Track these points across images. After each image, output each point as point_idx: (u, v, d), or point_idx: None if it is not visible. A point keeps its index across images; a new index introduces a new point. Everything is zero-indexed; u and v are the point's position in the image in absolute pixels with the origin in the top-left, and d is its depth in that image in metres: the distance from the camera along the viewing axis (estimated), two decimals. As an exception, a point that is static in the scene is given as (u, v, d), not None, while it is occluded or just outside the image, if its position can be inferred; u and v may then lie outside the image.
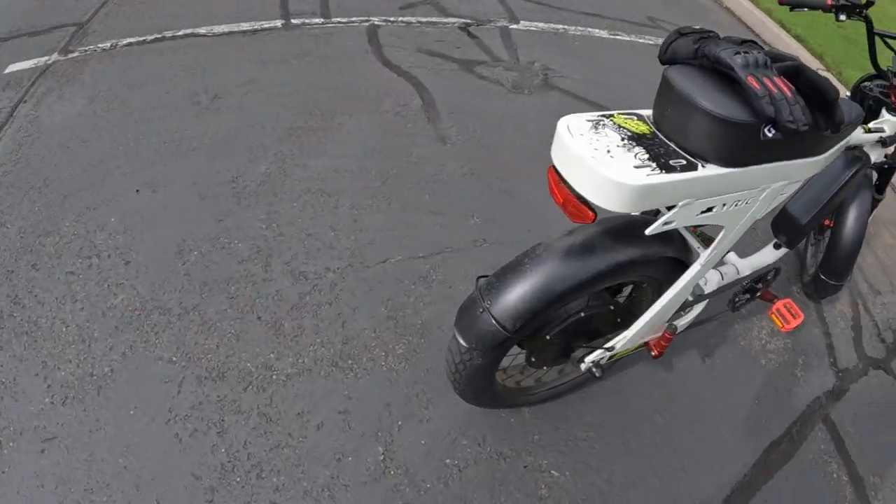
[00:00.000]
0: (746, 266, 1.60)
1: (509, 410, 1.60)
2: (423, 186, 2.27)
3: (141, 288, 1.76)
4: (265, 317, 1.73)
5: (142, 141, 2.28)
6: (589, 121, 1.05)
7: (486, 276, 1.26)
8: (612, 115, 1.09)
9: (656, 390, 1.73)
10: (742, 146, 1.00)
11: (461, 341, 1.24)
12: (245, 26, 3.04)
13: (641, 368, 1.77)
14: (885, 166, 1.77)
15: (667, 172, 0.96)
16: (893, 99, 1.60)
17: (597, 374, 1.48)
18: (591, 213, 1.03)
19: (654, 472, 1.55)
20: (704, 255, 1.25)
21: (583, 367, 1.47)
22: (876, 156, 1.68)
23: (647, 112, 1.12)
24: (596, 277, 1.18)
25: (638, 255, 1.20)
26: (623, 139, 1.02)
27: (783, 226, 1.64)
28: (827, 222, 1.93)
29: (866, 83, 1.71)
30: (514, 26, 3.45)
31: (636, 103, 1.26)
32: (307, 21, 3.17)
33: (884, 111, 1.62)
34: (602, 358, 1.46)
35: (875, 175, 1.85)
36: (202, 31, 2.98)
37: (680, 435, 1.63)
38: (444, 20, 3.38)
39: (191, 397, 1.51)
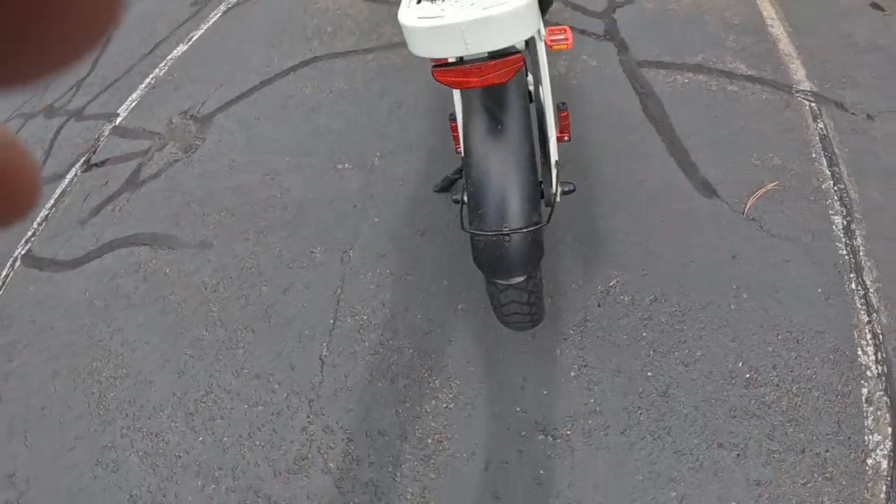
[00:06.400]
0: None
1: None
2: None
3: None
4: None
5: None
6: (417, 4, 1.00)
7: (464, 211, 1.17)
8: None
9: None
10: None
11: (513, 281, 1.14)
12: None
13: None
14: None
15: None
16: None
17: (573, 189, 1.43)
18: (519, 54, 1.00)
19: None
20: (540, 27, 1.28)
21: (560, 195, 1.41)
22: None
23: None
24: (527, 114, 1.17)
25: (524, 64, 1.16)
26: None
27: None
28: None
29: None
30: (120, 119, 2.99)
31: None
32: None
33: None
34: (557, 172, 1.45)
35: None
36: None
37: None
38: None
39: None
